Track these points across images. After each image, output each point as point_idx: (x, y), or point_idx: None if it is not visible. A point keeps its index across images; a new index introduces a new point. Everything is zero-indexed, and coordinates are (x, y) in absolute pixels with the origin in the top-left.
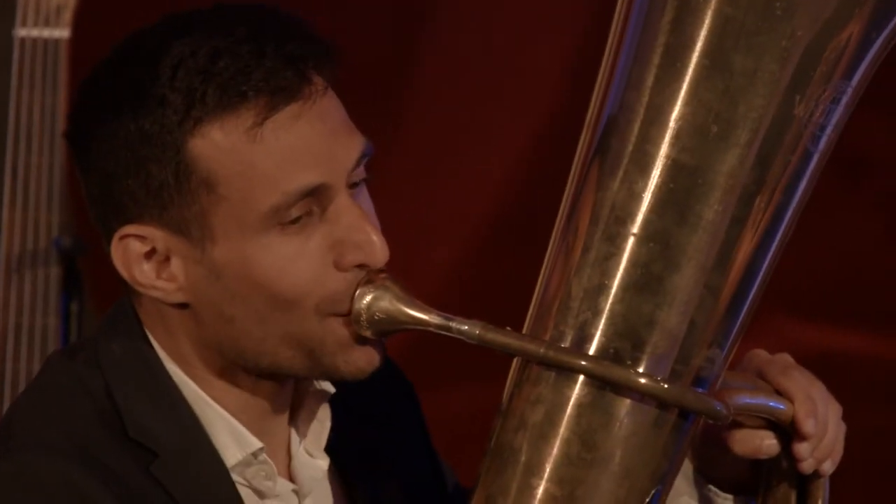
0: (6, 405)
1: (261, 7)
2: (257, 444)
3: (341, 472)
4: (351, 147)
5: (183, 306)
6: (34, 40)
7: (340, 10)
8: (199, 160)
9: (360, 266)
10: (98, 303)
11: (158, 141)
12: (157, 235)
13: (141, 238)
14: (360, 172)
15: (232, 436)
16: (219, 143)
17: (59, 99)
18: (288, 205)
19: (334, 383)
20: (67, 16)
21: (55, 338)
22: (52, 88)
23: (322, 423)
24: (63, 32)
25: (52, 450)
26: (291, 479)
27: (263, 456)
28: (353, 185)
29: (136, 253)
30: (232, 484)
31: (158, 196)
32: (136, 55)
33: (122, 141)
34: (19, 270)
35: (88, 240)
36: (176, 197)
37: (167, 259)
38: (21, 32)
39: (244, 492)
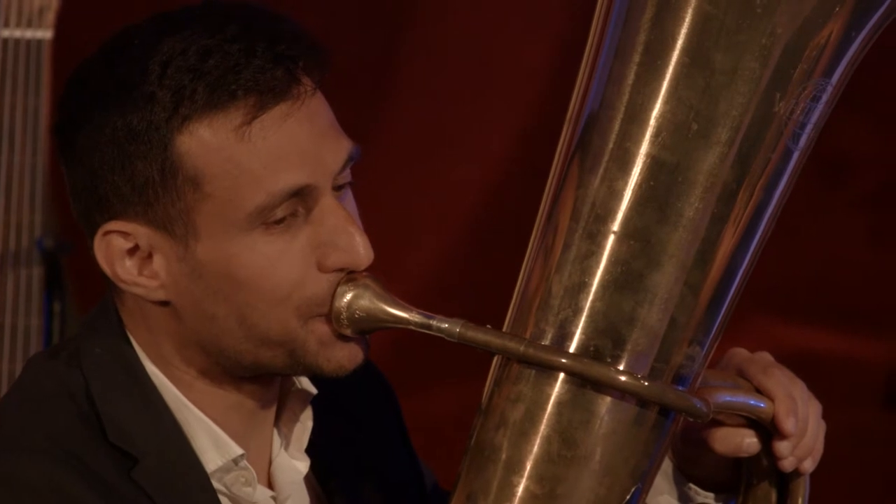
0: None
1: (250, 6)
2: (238, 450)
3: (321, 475)
4: (338, 150)
5: (165, 304)
6: (17, 41)
7: (322, 11)
8: (185, 157)
9: (342, 268)
10: (81, 303)
11: (145, 137)
12: (140, 232)
13: (124, 234)
14: (346, 175)
15: (212, 441)
16: (206, 141)
17: (41, 100)
18: (273, 205)
19: (315, 384)
20: (50, 17)
21: (38, 338)
22: (34, 89)
23: (304, 424)
24: (46, 33)
25: (36, 452)
26: (270, 483)
27: (244, 462)
28: (338, 188)
29: (118, 249)
30: (212, 491)
31: (143, 192)
32: (126, 51)
33: (109, 136)
34: (2, 271)
35: (71, 240)
36: (161, 194)
37: (150, 256)
38: (3, 33)
39: (223, 499)
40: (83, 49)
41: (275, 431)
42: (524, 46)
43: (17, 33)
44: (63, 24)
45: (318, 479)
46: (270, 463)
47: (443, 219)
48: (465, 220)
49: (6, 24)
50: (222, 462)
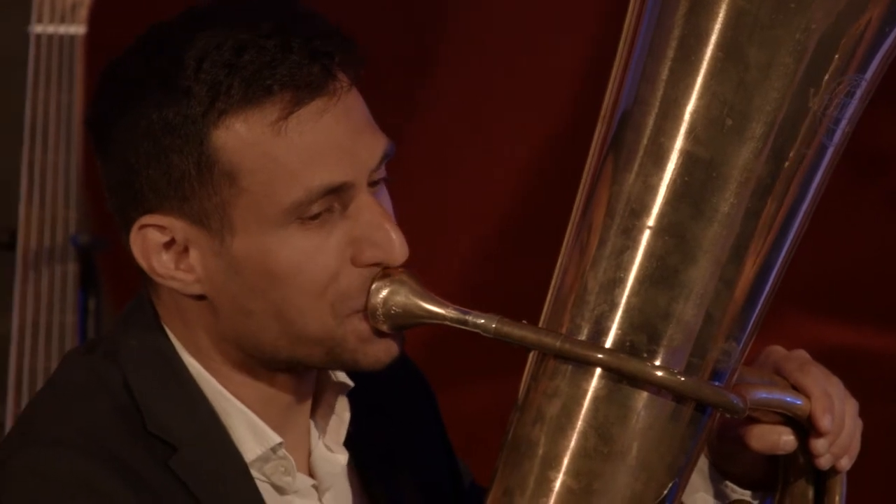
0: (24, 402)
1: (284, 2)
2: (276, 438)
3: (360, 467)
4: (374, 146)
5: (201, 298)
6: (50, 37)
7: (357, 8)
8: (221, 152)
9: (378, 264)
10: (115, 299)
11: (182, 132)
12: (176, 226)
13: (160, 228)
14: (382, 172)
15: (251, 430)
16: (242, 135)
17: (74, 96)
18: (310, 201)
19: (352, 376)
20: (83, 12)
21: (73, 335)
22: (67, 85)
23: (341, 416)
24: (78, 29)
25: (67, 445)
26: (311, 473)
27: (283, 451)
28: (373, 184)
29: (155, 243)
30: (251, 479)
31: (179, 187)
32: (161, 46)
33: (145, 131)
34: (36, 267)
35: (106, 236)
36: (197, 188)
37: (186, 250)
38: (37, 29)
39: (263, 487)
40: (116, 45)
41: (311, 424)
42: (557, 43)
43: (50, 29)
44: (95, 20)
45: (357, 470)
46: (309, 455)
47: (478, 215)
48: (501, 217)
49: (39, 20)
50: (261, 451)
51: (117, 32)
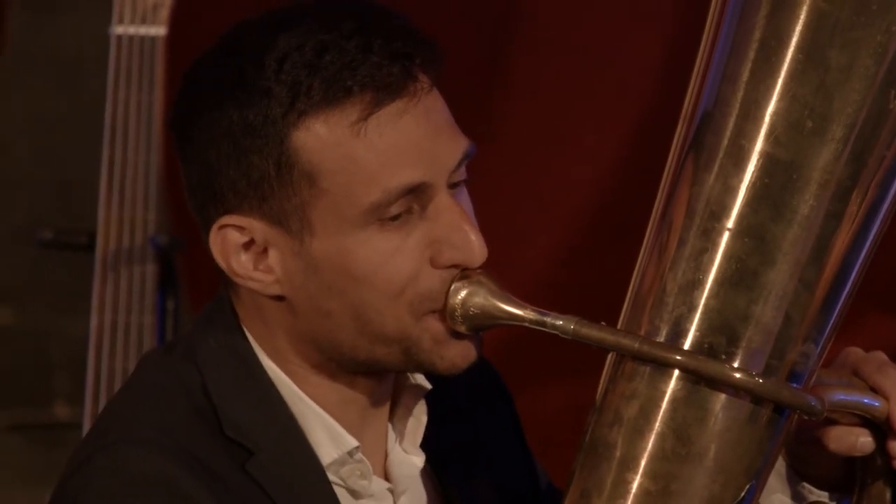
0: (102, 404)
1: (363, 2)
2: (353, 442)
3: (436, 470)
4: (454, 147)
5: (280, 299)
6: (130, 38)
7: (433, 9)
8: (301, 153)
9: (456, 265)
10: (194, 300)
11: (262, 132)
12: (255, 226)
13: (240, 228)
14: (462, 173)
15: (327, 434)
16: (322, 136)
17: (155, 97)
18: (389, 202)
19: (429, 379)
20: (164, 13)
21: (151, 336)
22: (148, 86)
23: (418, 419)
24: (159, 30)
25: (148, 445)
26: (386, 476)
27: (359, 455)
28: (453, 185)
29: (234, 243)
30: (328, 483)
31: (259, 187)
32: (242, 47)
33: (225, 131)
34: (116, 268)
35: (185, 237)
36: (277, 189)
37: (265, 250)
38: (118, 30)
39: (339, 491)
40: (196, 46)
41: (389, 426)
42: (637, 44)
43: (131, 30)
44: (176, 21)
45: (433, 474)
46: (386, 457)
47: (557, 216)
48: (579, 218)
49: (120, 21)
50: (338, 455)
51: (197, 33)
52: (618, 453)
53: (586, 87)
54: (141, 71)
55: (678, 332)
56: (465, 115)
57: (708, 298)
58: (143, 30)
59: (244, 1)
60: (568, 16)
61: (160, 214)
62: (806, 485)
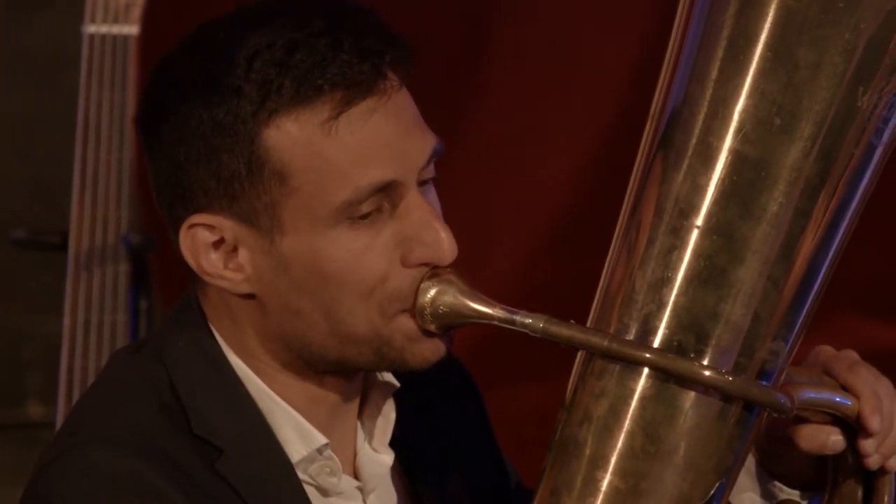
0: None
1: (336, 0)
2: (322, 439)
3: (405, 468)
4: (423, 145)
5: (249, 297)
6: (103, 37)
7: (406, 7)
8: (272, 151)
9: (427, 263)
10: (167, 299)
11: (232, 131)
12: (225, 225)
13: (210, 227)
14: (430, 171)
15: (296, 431)
16: (293, 135)
17: (127, 96)
18: (360, 200)
19: (398, 377)
20: (136, 13)
21: (124, 334)
22: (121, 85)
23: (387, 417)
24: (132, 29)
25: (118, 444)
26: (356, 475)
27: (328, 452)
28: (422, 183)
29: (204, 242)
30: (297, 480)
31: (229, 186)
32: (211, 45)
33: (194, 129)
34: (88, 267)
35: (157, 236)
36: (247, 187)
37: (235, 249)
38: (90, 29)
39: (308, 489)
40: (169, 45)
41: (358, 424)
42: (607, 43)
43: (104, 29)
44: (149, 20)
45: (403, 472)
46: (355, 456)
47: (525, 215)
48: (548, 216)
49: (92, 21)
50: (307, 452)
51: (170, 32)
52: (588, 451)
53: (554, 86)
54: (114, 70)
55: (647, 330)
56: (435, 113)
57: (677, 296)
58: (116, 29)
59: (217, 0)
60: (538, 14)
61: (133, 213)
62: (777, 483)
